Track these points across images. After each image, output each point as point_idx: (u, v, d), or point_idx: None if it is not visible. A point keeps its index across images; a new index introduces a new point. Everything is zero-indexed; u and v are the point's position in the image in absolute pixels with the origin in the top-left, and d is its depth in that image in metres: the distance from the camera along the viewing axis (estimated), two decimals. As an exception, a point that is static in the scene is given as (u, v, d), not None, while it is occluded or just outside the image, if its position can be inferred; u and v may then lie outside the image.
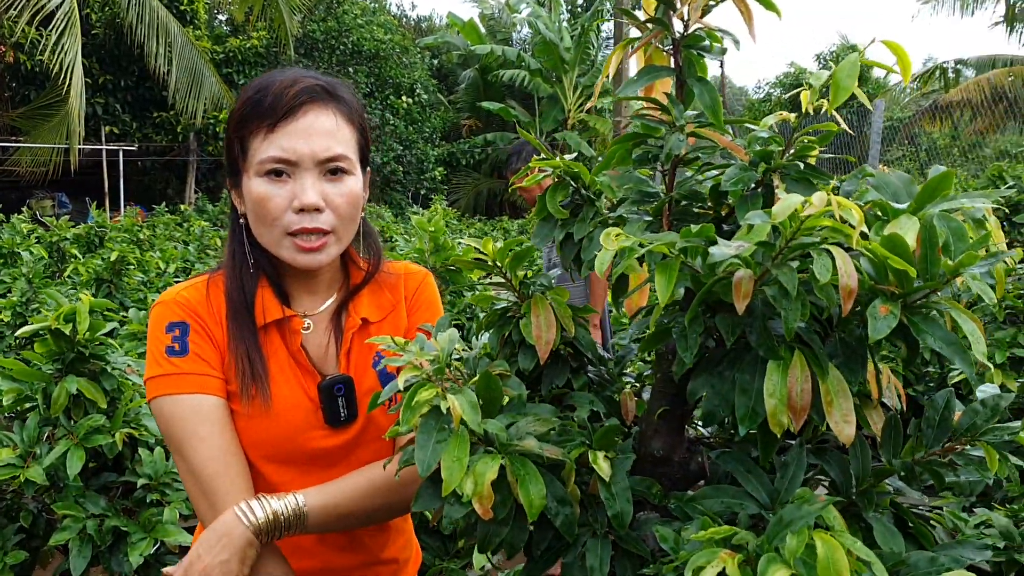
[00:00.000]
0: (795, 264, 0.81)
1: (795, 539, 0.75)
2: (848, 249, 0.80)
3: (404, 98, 21.46)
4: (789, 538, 0.76)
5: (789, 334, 0.79)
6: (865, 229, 0.81)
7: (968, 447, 0.96)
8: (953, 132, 15.39)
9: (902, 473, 0.95)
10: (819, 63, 25.87)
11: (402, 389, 0.92)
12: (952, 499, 2.99)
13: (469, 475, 0.86)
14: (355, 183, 1.39)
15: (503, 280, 1.15)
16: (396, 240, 7.43)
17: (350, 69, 20.49)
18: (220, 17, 21.95)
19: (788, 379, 0.83)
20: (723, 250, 0.80)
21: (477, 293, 1.19)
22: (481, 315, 1.29)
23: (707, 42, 1.02)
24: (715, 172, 1.04)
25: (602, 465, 0.94)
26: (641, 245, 0.86)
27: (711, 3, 0.98)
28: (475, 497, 0.86)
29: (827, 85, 0.91)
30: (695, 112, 1.05)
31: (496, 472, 0.87)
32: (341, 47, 20.64)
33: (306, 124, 1.33)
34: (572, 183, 1.10)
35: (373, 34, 21.11)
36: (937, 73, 15.97)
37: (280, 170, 1.33)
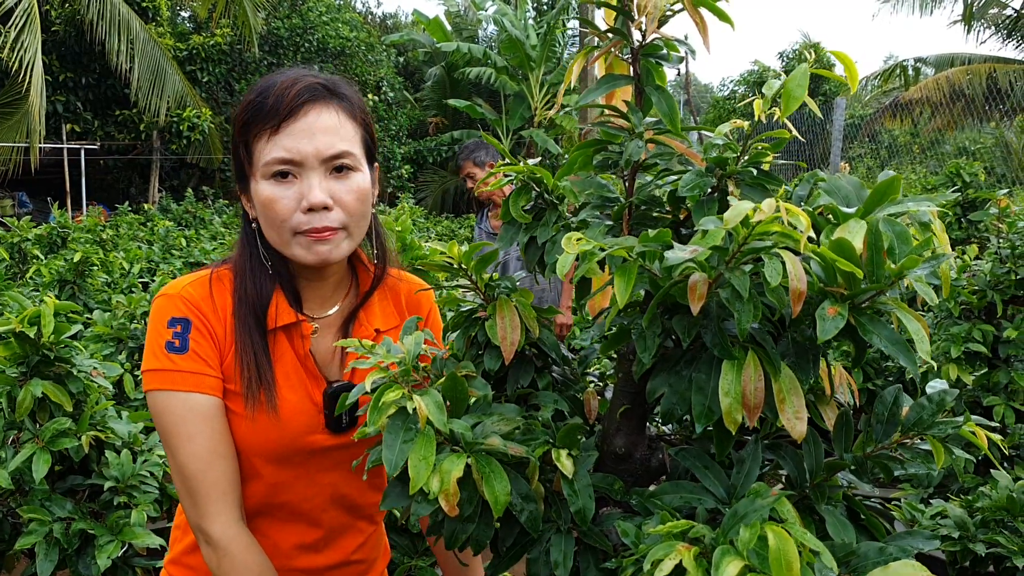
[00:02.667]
0: (748, 268, 0.84)
1: (748, 531, 0.79)
2: (798, 253, 0.83)
3: (370, 96, 21.34)
4: (742, 530, 0.79)
5: (742, 335, 0.82)
6: (812, 234, 0.85)
7: (917, 441, 1.00)
8: (913, 129, 15.64)
9: (852, 467, 0.99)
10: (782, 61, 26.15)
11: (369, 391, 0.94)
12: (911, 491, 3.06)
13: (435, 473, 0.88)
14: (362, 179, 1.39)
15: (469, 283, 1.17)
16: (363, 239, 7.39)
17: (315, 67, 20.30)
18: (183, 14, 21.68)
19: (742, 378, 0.86)
20: (678, 254, 0.83)
21: (445, 295, 1.22)
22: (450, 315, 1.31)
23: (665, 51, 1.06)
24: (673, 177, 1.07)
25: (565, 463, 0.97)
26: (601, 249, 0.89)
27: (667, 14, 1.01)
28: (441, 495, 0.88)
29: (779, 94, 0.94)
30: (654, 119, 1.08)
31: (462, 470, 0.89)
32: (306, 44, 20.49)
33: (308, 123, 1.34)
34: (535, 188, 1.13)
35: (338, 31, 20.98)
36: (897, 71, 16.20)
37: (286, 171, 1.33)
